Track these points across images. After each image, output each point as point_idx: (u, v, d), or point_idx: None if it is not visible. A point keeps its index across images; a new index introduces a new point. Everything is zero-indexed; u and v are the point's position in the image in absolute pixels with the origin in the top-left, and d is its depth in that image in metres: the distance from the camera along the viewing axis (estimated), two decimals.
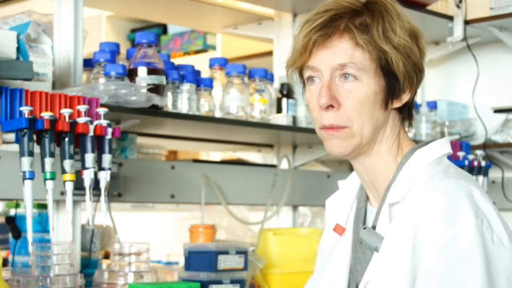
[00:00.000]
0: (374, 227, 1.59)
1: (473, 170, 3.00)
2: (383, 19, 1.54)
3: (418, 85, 1.60)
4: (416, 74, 1.57)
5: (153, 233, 3.82)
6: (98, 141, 2.02)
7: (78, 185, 1.99)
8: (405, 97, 1.59)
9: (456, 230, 1.42)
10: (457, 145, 3.09)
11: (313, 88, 1.58)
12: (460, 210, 1.44)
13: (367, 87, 1.54)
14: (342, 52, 1.54)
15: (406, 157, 1.59)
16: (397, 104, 1.59)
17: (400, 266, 1.47)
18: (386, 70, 1.54)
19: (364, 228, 1.58)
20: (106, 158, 2.02)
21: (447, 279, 1.41)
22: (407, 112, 1.62)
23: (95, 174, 2.01)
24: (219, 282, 2.16)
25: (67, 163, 1.94)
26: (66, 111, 1.94)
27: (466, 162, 2.98)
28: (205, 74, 2.67)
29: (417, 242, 1.45)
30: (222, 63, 2.66)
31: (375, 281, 1.51)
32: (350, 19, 1.55)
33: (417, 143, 1.63)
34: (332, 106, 1.54)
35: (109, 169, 2.03)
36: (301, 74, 1.62)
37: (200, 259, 2.20)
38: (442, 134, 3.32)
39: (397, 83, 1.55)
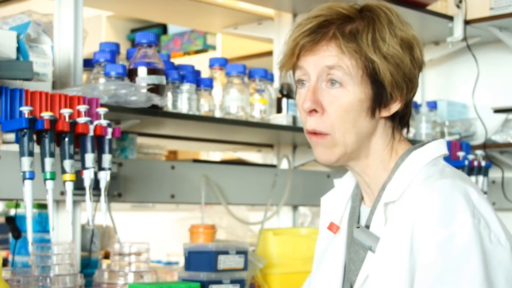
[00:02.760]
0: (367, 227, 1.58)
1: (473, 170, 3.00)
2: (374, 27, 1.53)
3: (410, 95, 1.58)
4: (406, 84, 1.55)
5: (153, 233, 3.82)
6: (98, 141, 2.02)
7: (78, 185, 1.99)
8: (395, 107, 1.57)
9: (453, 230, 1.42)
10: (457, 145, 3.09)
11: (302, 91, 1.58)
12: (457, 209, 1.44)
13: (352, 95, 1.53)
14: (329, 56, 1.53)
15: (402, 158, 1.58)
16: (385, 113, 1.57)
17: (398, 267, 1.46)
18: (373, 79, 1.53)
19: (358, 228, 1.58)
20: (106, 158, 2.02)
21: (445, 278, 1.41)
22: (397, 121, 1.61)
23: (95, 174, 2.01)
24: (219, 282, 2.16)
25: (67, 163, 1.94)
26: (66, 111, 1.94)
27: (466, 162, 2.98)
28: (205, 74, 2.67)
29: (414, 242, 1.45)
30: (222, 63, 2.66)
31: (372, 282, 1.51)
32: (340, 26, 1.54)
33: (414, 144, 1.63)
34: (315, 111, 1.55)
35: (109, 169, 2.03)
36: (294, 75, 1.62)
37: (200, 259, 2.20)
38: (442, 134, 3.32)
39: (385, 92, 1.54)
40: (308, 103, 1.54)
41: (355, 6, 1.57)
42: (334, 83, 1.54)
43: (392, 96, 1.55)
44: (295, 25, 1.58)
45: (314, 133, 1.56)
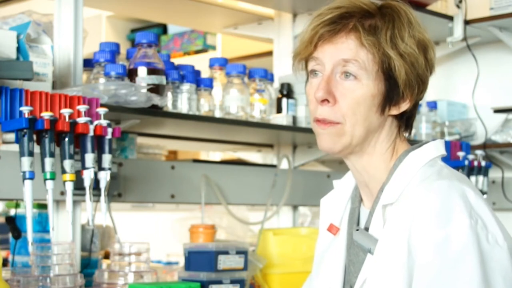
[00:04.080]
0: (367, 229, 1.58)
1: (473, 170, 3.00)
2: (393, 25, 1.55)
3: (420, 96, 1.60)
4: (418, 84, 1.57)
5: (153, 233, 3.82)
6: (98, 141, 2.02)
7: (78, 185, 1.99)
8: (404, 106, 1.58)
9: (450, 230, 1.42)
10: (457, 145, 3.09)
11: (314, 81, 1.58)
12: (454, 210, 1.44)
13: (366, 88, 1.54)
14: (347, 49, 1.54)
15: (400, 159, 1.59)
16: (394, 111, 1.58)
17: (396, 268, 1.46)
18: (387, 75, 1.54)
19: (357, 230, 1.58)
20: (106, 158, 2.02)
21: (443, 279, 1.41)
22: (404, 121, 1.62)
23: (95, 174, 2.01)
24: (219, 282, 2.16)
25: (67, 163, 1.94)
26: (66, 111, 1.94)
27: (466, 162, 2.98)
28: (205, 74, 2.67)
29: (411, 243, 1.45)
30: (222, 63, 2.66)
31: (371, 283, 1.51)
32: (360, 19, 1.55)
33: (412, 144, 1.63)
34: (327, 101, 1.55)
35: (109, 169, 2.03)
36: (307, 66, 1.62)
37: (200, 259, 2.20)
38: (442, 134, 3.32)
39: (397, 90, 1.55)
40: (321, 92, 1.54)
41: (375, 3, 1.58)
42: (348, 76, 1.54)
43: (403, 95, 1.56)
44: (315, 14, 1.59)
45: (323, 121, 1.56)
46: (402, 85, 1.55)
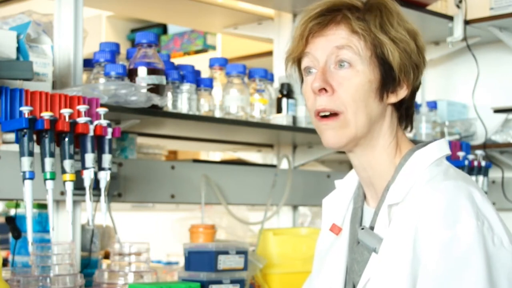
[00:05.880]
0: (372, 228, 1.58)
1: (473, 170, 3.00)
2: (381, 14, 1.56)
3: (416, 82, 1.60)
4: (413, 69, 1.57)
5: (153, 233, 3.82)
6: (98, 141, 2.02)
7: (78, 185, 1.99)
8: (402, 93, 1.58)
9: (456, 231, 1.42)
10: (457, 145, 3.09)
11: (309, 79, 1.58)
12: (461, 211, 1.43)
13: (362, 74, 1.54)
14: (339, 38, 1.54)
15: (405, 158, 1.58)
16: (393, 98, 1.58)
17: (401, 268, 1.46)
18: (381, 60, 1.54)
19: (362, 229, 1.58)
20: (106, 158, 2.02)
21: (448, 280, 1.41)
22: (404, 111, 1.62)
23: (95, 174, 2.01)
24: (219, 282, 2.16)
25: (67, 163, 1.94)
26: (66, 111, 1.94)
27: (466, 162, 2.98)
28: (205, 74, 2.67)
29: (417, 244, 1.45)
30: (222, 63, 2.66)
31: (375, 283, 1.51)
32: (347, 11, 1.56)
33: (416, 143, 1.63)
34: (325, 90, 1.54)
35: (109, 169, 2.03)
36: (300, 69, 1.62)
37: (200, 259, 2.20)
38: (442, 134, 3.32)
39: (393, 75, 1.55)
40: (317, 82, 1.54)
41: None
42: (343, 65, 1.54)
43: (399, 80, 1.56)
44: (303, 12, 1.59)
45: (324, 116, 1.55)
46: (397, 70, 1.55)
